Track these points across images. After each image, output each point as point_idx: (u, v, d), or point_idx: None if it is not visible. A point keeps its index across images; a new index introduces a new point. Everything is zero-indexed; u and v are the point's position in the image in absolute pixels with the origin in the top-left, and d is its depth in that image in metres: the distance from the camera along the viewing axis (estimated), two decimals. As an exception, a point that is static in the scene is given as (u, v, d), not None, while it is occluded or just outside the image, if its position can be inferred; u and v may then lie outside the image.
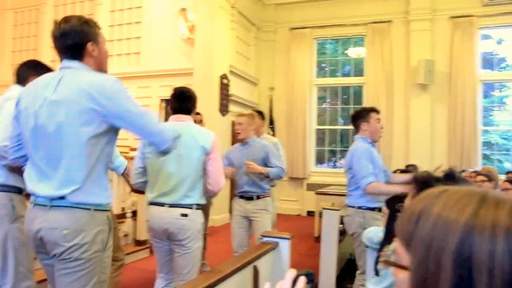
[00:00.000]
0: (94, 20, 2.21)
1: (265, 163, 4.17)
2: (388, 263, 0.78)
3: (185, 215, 2.94)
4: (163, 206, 2.97)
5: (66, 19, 2.12)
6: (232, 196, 8.68)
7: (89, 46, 2.12)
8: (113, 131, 2.12)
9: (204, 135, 3.05)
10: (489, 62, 9.63)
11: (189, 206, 2.96)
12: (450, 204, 0.69)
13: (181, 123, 3.06)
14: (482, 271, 0.63)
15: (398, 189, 3.35)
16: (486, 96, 9.65)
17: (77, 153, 1.99)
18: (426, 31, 9.38)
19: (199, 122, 5.12)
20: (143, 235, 5.84)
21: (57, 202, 1.99)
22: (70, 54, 2.11)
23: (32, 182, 2.07)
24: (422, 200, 0.74)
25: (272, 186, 5.10)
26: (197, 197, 3.00)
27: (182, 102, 3.15)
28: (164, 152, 2.30)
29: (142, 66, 9.61)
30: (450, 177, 1.58)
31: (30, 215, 2.08)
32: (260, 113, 5.39)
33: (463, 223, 0.66)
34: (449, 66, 9.20)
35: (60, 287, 2.04)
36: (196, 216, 3.00)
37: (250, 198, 4.21)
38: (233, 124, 8.95)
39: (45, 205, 2.01)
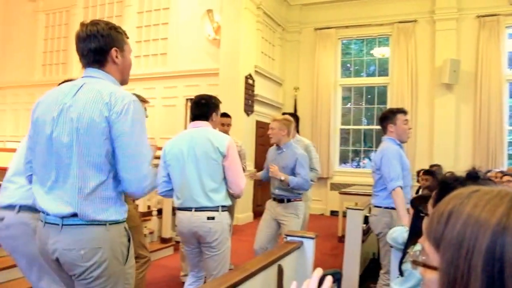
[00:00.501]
0: (122, 28, 2.13)
1: (294, 170, 4.18)
2: (417, 263, 0.78)
3: (212, 218, 2.99)
4: (190, 210, 3.02)
5: (94, 22, 2.03)
6: (256, 195, 8.85)
7: (113, 52, 2.02)
8: None
9: (219, 139, 3.08)
10: (516, 62, 9.49)
11: (215, 209, 3.01)
12: (481, 204, 0.68)
13: (197, 128, 3.15)
14: None
15: (403, 215, 3.40)
16: (512, 95, 9.52)
17: (89, 168, 1.88)
18: (452, 30, 9.31)
19: (228, 125, 5.22)
20: (168, 233, 5.96)
21: (69, 221, 1.88)
22: (93, 59, 2.01)
23: (41, 198, 1.95)
24: (452, 200, 0.73)
25: (307, 189, 5.17)
26: (221, 199, 3.04)
27: (197, 109, 3.21)
28: (129, 195, 2.13)
29: (169, 67, 9.77)
30: (473, 178, 1.52)
31: (43, 235, 1.95)
32: (294, 115, 5.37)
33: (494, 223, 0.64)
34: (475, 65, 9.12)
35: None
36: (223, 218, 3.04)
37: (281, 201, 4.22)
38: (258, 124, 9.13)
39: (56, 224, 1.89)
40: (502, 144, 8.83)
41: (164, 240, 5.97)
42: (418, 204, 2.07)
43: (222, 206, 3.05)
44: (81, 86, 1.94)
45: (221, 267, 3.05)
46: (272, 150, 4.42)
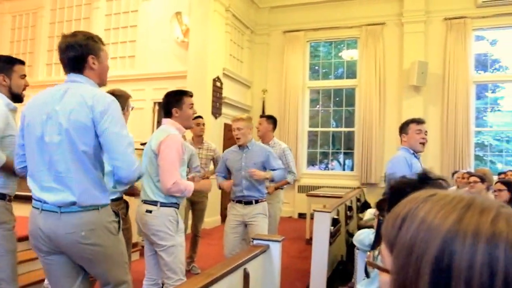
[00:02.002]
0: (99, 37, 2.43)
1: (265, 166, 4.15)
2: (372, 265, 0.75)
3: (149, 212, 3.06)
4: (141, 202, 3.17)
5: (74, 34, 2.34)
6: (224, 199, 8.78)
7: (90, 59, 2.32)
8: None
9: (157, 136, 3.12)
10: (482, 64, 9.65)
11: (154, 203, 3.07)
12: (435, 210, 0.66)
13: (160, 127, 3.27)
14: (460, 282, 0.60)
15: None
16: (479, 97, 9.68)
17: (80, 162, 2.19)
18: (420, 33, 9.43)
19: (203, 125, 5.32)
20: (134, 237, 5.83)
21: (67, 209, 2.19)
22: (72, 66, 2.31)
23: (37, 191, 2.24)
24: (409, 203, 0.71)
25: (281, 188, 5.15)
26: (162, 195, 3.07)
27: (162, 107, 3.37)
28: (122, 180, 2.36)
29: (137, 69, 9.64)
30: (425, 180, 1.53)
31: (39, 220, 2.23)
32: (271, 118, 5.33)
33: (445, 230, 0.62)
34: (443, 67, 9.25)
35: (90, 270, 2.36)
36: (162, 213, 3.05)
37: (249, 203, 4.16)
38: (226, 126, 9.08)
39: (55, 212, 2.19)
40: (468, 145, 8.95)
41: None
42: (382, 207, 2.05)
43: (162, 203, 3.08)
44: (66, 90, 2.24)
45: (169, 266, 3.04)
46: (232, 152, 4.33)
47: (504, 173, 7.33)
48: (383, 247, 0.73)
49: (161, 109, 3.47)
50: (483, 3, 8.91)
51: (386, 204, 1.69)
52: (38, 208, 2.23)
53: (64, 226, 2.18)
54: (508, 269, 0.59)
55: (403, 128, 3.94)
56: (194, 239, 5.30)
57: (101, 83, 2.44)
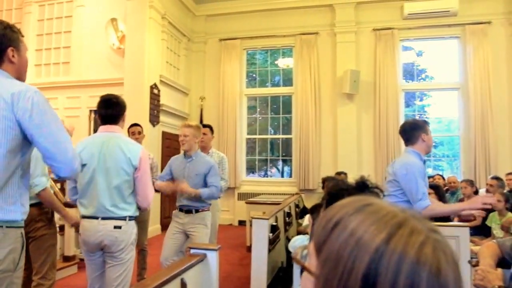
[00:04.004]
0: (17, 26, 2.13)
1: (206, 178, 4.13)
2: (298, 262, 0.72)
3: (119, 227, 2.93)
4: (97, 219, 2.94)
5: None
6: (164, 207, 8.71)
7: (9, 51, 2.03)
8: (28, 143, 2.01)
9: (132, 148, 3.00)
10: (410, 73, 10.14)
11: (122, 218, 2.95)
12: (367, 224, 0.64)
13: (109, 133, 3.03)
14: None
15: (456, 208, 3.41)
16: (408, 105, 10.15)
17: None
18: (351, 42, 9.77)
19: (139, 133, 5.07)
20: (71, 250, 5.67)
21: None
22: None
23: None
24: (343, 208, 0.69)
25: (218, 197, 5.15)
26: (130, 209, 2.99)
27: (109, 109, 3.05)
28: (63, 178, 2.21)
29: (72, 76, 9.37)
30: (362, 188, 1.49)
31: None
32: (210, 127, 5.29)
33: (374, 248, 0.61)
34: (373, 76, 9.61)
35: None
36: (129, 227, 2.99)
37: (189, 212, 4.15)
38: (164, 134, 9.04)
39: None
40: (400, 151, 9.20)
41: (67, 259, 5.67)
42: (317, 211, 2.09)
43: (130, 217, 3.00)
44: None
45: (122, 279, 2.96)
46: (178, 159, 4.30)
47: (432, 177, 7.74)
48: (311, 245, 0.72)
49: (97, 114, 3.23)
50: (409, 15, 9.35)
51: (322, 208, 1.68)
52: None
53: None
54: None
55: (423, 128, 3.51)
56: (141, 254, 5.02)
57: (20, 78, 2.11)
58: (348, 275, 0.61)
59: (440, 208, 3.49)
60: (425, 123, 3.60)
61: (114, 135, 3.03)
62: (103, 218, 2.93)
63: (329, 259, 0.65)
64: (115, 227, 2.92)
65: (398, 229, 0.62)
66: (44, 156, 2.00)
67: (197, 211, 4.15)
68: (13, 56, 2.04)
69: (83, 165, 2.94)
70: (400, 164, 3.45)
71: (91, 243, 2.97)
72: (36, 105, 1.93)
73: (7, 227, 1.92)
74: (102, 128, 3.09)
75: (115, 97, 3.10)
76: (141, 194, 3.02)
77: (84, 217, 3.01)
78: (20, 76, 2.11)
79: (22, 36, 2.14)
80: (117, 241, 2.93)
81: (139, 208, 3.08)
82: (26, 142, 1.98)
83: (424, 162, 3.51)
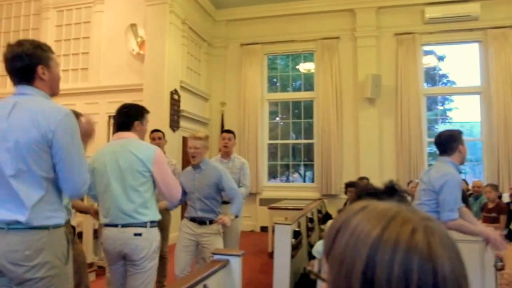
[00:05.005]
0: (48, 45, 2.25)
1: (218, 187, 4.00)
2: (312, 273, 0.77)
3: (139, 234, 2.88)
4: (116, 226, 2.90)
5: (20, 43, 2.16)
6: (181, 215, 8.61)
7: (39, 69, 2.15)
8: None
9: (143, 150, 2.99)
10: (432, 77, 10.04)
11: (142, 225, 2.90)
12: (364, 221, 0.66)
13: (119, 140, 3.05)
14: None
15: (484, 232, 3.24)
16: (430, 109, 10.04)
17: (32, 180, 2.03)
18: (372, 47, 9.70)
19: (159, 139, 5.07)
20: (89, 258, 5.59)
21: (14, 226, 2.00)
22: (20, 77, 2.15)
23: None
24: (344, 214, 0.72)
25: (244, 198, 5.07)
26: (150, 214, 2.94)
27: (119, 118, 3.14)
28: (71, 196, 2.35)
29: (90, 82, 9.36)
30: (391, 192, 1.52)
31: None
32: (233, 133, 5.23)
33: (371, 241, 0.63)
34: (395, 80, 9.53)
35: None
36: (151, 234, 2.93)
37: (202, 223, 3.99)
38: (184, 140, 8.95)
39: (2, 228, 2.00)
40: (422, 155, 9.24)
41: (85, 266, 5.60)
42: None
43: (151, 222, 2.94)
44: (14, 105, 2.07)
45: (144, 286, 2.90)
46: (188, 173, 4.14)
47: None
48: (323, 256, 0.73)
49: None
50: (430, 20, 9.28)
51: None
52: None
53: (8, 244, 2.00)
54: (421, 282, 0.59)
55: (459, 139, 3.46)
56: (162, 261, 4.75)
57: (53, 93, 2.28)
58: (351, 274, 0.63)
59: (467, 227, 3.32)
60: (461, 133, 3.54)
61: (125, 140, 3.04)
62: (123, 226, 2.90)
63: (335, 262, 0.67)
64: (135, 234, 2.88)
65: (391, 221, 0.64)
66: (59, 177, 2.12)
67: (211, 222, 3.99)
68: (43, 73, 2.17)
69: (98, 176, 2.98)
70: (440, 174, 3.35)
71: (111, 252, 2.95)
72: (63, 128, 2.08)
73: (52, 228, 2.09)
74: (114, 136, 3.18)
75: (126, 107, 3.19)
76: (166, 192, 3.01)
77: (105, 225, 2.99)
78: (52, 91, 2.27)
79: (53, 53, 2.26)
80: (138, 249, 2.87)
81: (166, 209, 3.14)
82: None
83: (460, 172, 3.47)
